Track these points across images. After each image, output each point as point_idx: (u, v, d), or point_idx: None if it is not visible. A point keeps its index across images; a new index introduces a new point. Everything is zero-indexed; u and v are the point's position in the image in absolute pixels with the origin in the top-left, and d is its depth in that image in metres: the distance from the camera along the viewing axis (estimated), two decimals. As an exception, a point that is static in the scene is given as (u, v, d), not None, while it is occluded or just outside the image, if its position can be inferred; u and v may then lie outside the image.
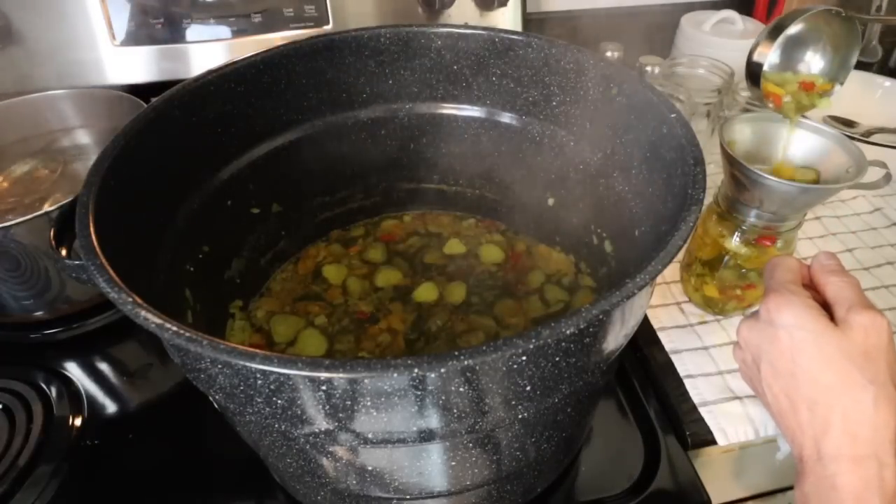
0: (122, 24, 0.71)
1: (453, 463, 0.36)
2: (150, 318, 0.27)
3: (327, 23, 0.76)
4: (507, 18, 0.83)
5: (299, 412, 0.29)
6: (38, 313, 0.58)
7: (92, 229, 0.32)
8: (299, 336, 0.53)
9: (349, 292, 0.57)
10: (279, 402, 0.29)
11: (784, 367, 0.34)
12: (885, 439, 0.31)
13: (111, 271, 0.29)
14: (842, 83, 0.50)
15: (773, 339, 0.35)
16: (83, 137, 0.70)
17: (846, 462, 0.31)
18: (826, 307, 0.35)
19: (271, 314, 0.55)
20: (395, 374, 0.25)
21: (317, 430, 0.31)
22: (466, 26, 0.51)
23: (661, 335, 0.57)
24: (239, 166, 0.51)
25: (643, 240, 0.43)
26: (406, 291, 0.57)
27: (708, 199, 0.37)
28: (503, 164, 0.58)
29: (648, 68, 0.77)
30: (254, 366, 0.25)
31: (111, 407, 0.53)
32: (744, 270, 0.54)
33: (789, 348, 0.34)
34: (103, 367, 0.57)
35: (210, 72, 0.46)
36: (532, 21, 0.91)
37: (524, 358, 0.28)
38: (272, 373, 0.27)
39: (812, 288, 0.37)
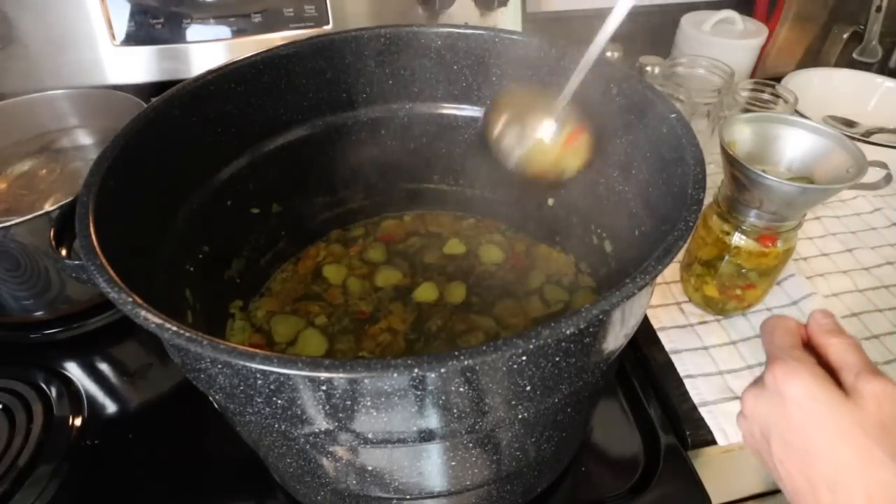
0: (122, 24, 0.71)
1: (453, 463, 0.36)
2: (150, 318, 0.27)
3: (327, 23, 0.76)
4: (507, 18, 0.83)
5: (299, 412, 0.29)
6: (38, 313, 0.58)
7: (92, 229, 0.32)
8: (299, 336, 0.53)
9: (349, 292, 0.57)
10: (279, 402, 0.29)
11: (797, 442, 0.32)
12: None
13: (111, 271, 0.29)
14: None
15: (783, 412, 0.32)
16: (83, 137, 0.70)
17: None
18: (829, 370, 0.33)
19: (271, 314, 0.55)
20: (395, 374, 0.25)
21: (317, 430, 0.31)
22: (466, 26, 0.51)
23: (661, 335, 0.57)
24: (239, 166, 0.51)
25: (643, 240, 0.43)
26: (406, 291, 0.57)
27: (708, 199, 0.37)
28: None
29: (648, 68, 0.77)
30: (254, 366, 0.25)
31: (111, 407, 0.53)
32: (744, 270, 0.54)
33: (801, 423, 0.32)
34: (103, 367, 0.57)
35: (210, 72, 0.46)
36: (532, 21, 0.91)
37: (524, 358, 0.28)
38: (272, 373, 0.27)
39: (810, 348, 0.36)
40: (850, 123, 0.82)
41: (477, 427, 0.32)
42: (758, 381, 0.35)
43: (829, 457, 0.31)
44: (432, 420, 0.30)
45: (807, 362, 0.33)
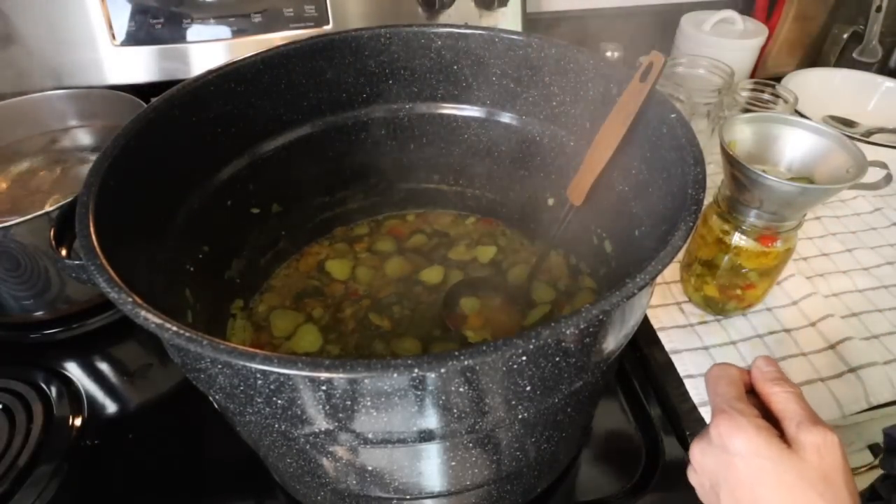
0: (122, 24, 0.71)
1: (453, 463, 0.36)
2: (150, 318, 0.27)
3: (327, 23, 0.76)
4: (507, 18, 0.83)
5: (299, 412, 0.29)
6: (38, 313, 0.58)
7: (92, 229, 0.32)
8: (297, 330, 0.53)
9: (359, 281, 0.58)
10: (279, 402, 0.29)
11: (744, 497, 0.32)
12: None
13: (111, 271, 0.29)
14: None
15: (729, 466, 0.33)
16: (83, 137, 0.70)
17: None
18: (772, 419, 0.34)
19: (272, 309, 0.55)
20: (395, 374, 0.25)
21: (317, 430, 0.31)
22: (466, 26, 0.51)
23: (661, 335, 0.57)
24: (239, 166, 0.51)
25: (643, 240, 0.43)
26: (414, 282, 0.58)
27: (708, 199, 0.37)
28: (503, 164, 0.58)
29: (648, 68, 0.77)
30: (254, 366, 0.25)
31: (111, 407, 0.53)
32: (744, 270, 0.54)
33: (747, 477, 0.32)
34: (103, 367, 0.57)
35: (210, 72, 0.46)
36: (532, 21, 0.91)
37: (524, 358, 0.28)
38: (272, 373, 0.27)
39: (754, 394, 0.36)
40: (849, 123, 0.82)
41: (477, 427, 0.32)
42: (704, 435, 0.36)
43: None
44: (432, 420, 0.30)
45: (749, 415, 0.33)
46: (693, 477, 0.37)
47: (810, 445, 0.32)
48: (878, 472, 0.43)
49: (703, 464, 0.35)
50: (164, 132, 0.42)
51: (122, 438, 0.51)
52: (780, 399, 0.34)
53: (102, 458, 0.49)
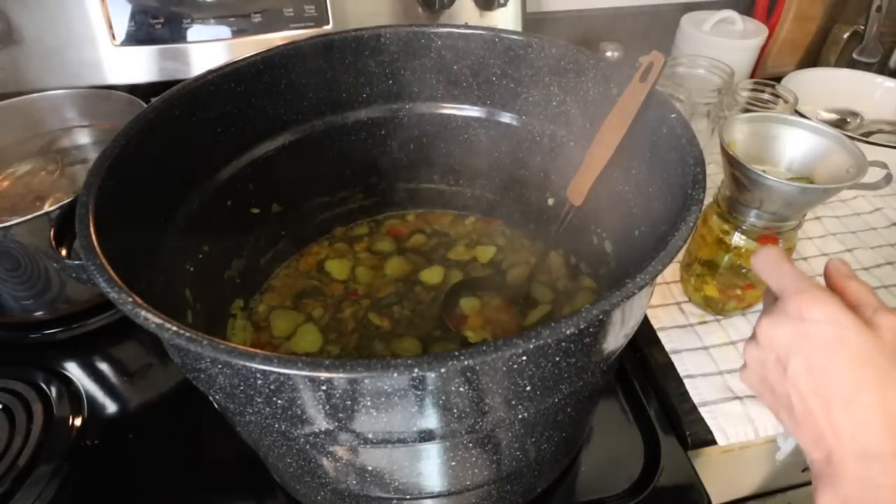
0: (122, 24, 0.71)
1: (453, 463, 0.36)
2: (150, 318, 0.27)
3: (327, 23, 0.76)
4: (507, 18, 0.83)
5: (299, 412, 0.29)
6: (38, 313, 0.58)
7: (92, 229, 0.32)
8: (297, 330, 0.53)
9: (359, 281, 0.58)
10: (279, 402, 0.29)
11: (819, 363, 0.33)
12: None
13: (111, 271, 0.29)
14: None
15: (807, 335, 0.33)
16: (83, 137, 0.70)
17: (891, 459, 0.30)
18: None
19: (272, 308, 0.55)
20: (395, 374, 0.25)
21: (317, 430, 0.31)
22: (466, 26, 0.51)
23: (661, 335, 0.57)
24: (239, 166, 0.51)
25: (643, 240, 0.43)
26: (414, 282, 0.58)
27: (708, 199, 0.37)
28: (503, 164, 0.58)
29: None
30: (254, 366, 0.25)
31: (111, 407, 0.53)
32: (744, 270, 0.54)
33: (826, 345, 0.33)
34: (103, 367, 0.57)
35: (210, 72, 0.46)
36: (532, 21, 0.91)
37: (524, 358, 0.28)
38: (272, 373, 0.27)
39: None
40: (852, 114, 0.81)
41: (477, 427, 0.32)
42: (774, 310, 0.36)
43: (848, 375, 0.32)
44: (432, 420, 0.30)
45: (830, 293, 0.34)
46: (755, 353, 0.37)
47: (887, 326, 0.33)
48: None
49: (774, 335, 0.35)
50: (164, 132, 0.42)
51: (122, 438, 0.51)
52: (856, 290, 0.36)
53: (102, 458, 0.49)
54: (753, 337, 0.37)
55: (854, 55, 0.94)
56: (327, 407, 0.29)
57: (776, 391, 0.36)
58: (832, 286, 0.37)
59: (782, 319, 0.35)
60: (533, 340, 0.25)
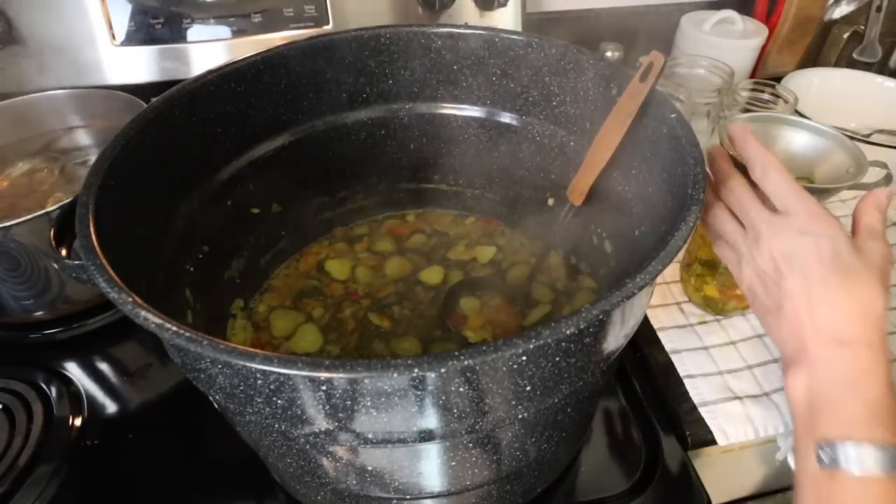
0: (122, 24, 0.71)
1: (453, 463, 0.36)
2: (150, 318, 0.27)
3: (327, 23, 0.76)
4: (507, 18, 0.83)
5: (299, 412, 0.29)
6: (38, 313, 0.58)
7: (92, 229, 0.32)
8: (297, 330, 0.53)
9: (358, 281, 0.58)
10: (279, 402, 0.29)
11: (813, 270, 0.37)
12: (885, 337, 0.37)
13: (111, 271, 0.29)
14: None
15: (807, 247, 0.38)
16: (83, 137, 0.70)
17: (859, 345, 0.36)
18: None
19: (272, 308, 0.55)
20: (395, 374, 0.25)
21: (317, 430, 0.31)
22: (466, 26, 0.51)
23: (661, 335, 0.57)
24: (239, 166, 0.51)
25: (643, 240, 0.43)
26: (414, 282, 0.58)
27: (708, 199, 0.37)
28: (503, 164, 0.58)
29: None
30: (254, 366, 0.25)
31: (111, 407, 0.53)
32: (744, 270, 0.53)
33: (820, 255, 0.37)
34: (103, 367, 0.57)
35: (210, 72, 0.46)
36: (532, 21, 0.91)
37: (524, 358, 0.28)
38: (272, 373, 0.27)
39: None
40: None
41: (477, 427, 0.32)
42: (777, 223, 0.39)
43: (836, 282, 0.37)
44: (432, 420, 0.30)
45: (827, 211, 0.39)
46: (755, 252, 0.40)
47: (875, 250, 0.38)
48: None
49: (778, 241, 0.39)
50: (164, 132, 0.42)
51: (122, 438, 0.51)
52: (868, 217, 0.40)
53: (102, 458, 0.49)
54: (755, 237, 0.40)
55: (854, 55, 0.94)
56: (327, 407, 0.29)
57: (768, 288, 0.40)
58: (860, 208, 0.41)
59: (786, 230, 0.39)
60: (533, 340, 0.25)
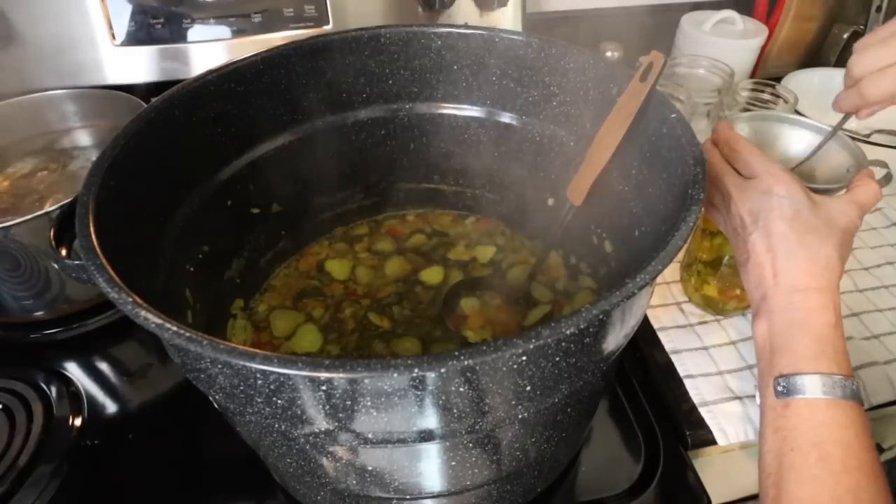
0: (122, 24, 0.71)
1: (453, 463, 0.36)
2: (150, 318, 0.27)
3: (327, 23, 0.76)
4: (507, 18, 0.83)
5: (299, 412, 0.29)
6: (38, 313, 0.58)
7: (92, 229, 0.32)
8: (297, 331, 0.53)
9: (358, 281, 0.58)
10: (279, 402, 0.29)
11: (775, 227, 0.41)
12: (837, 283, 0.41)
13: (111, 271, 0.29)
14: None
15: (771, 206, 0.42)
16: (83, 137, 0.70)
17: (811, 292, 0.40)
18: None
19: (272, 308, 0.55)
20: (395, 374, 0.25)
21: (317, 430, 0.31)
22: (466, 26, 0.51)
23: (661, 335, 0.57)
24: (239, 166, 0.51)
25: (643, 240, 0.43)
26: (414, 282, 0.58)
27: (708, 199, 0.37)
28: (503, 164, 0.58)
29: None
30: (254, 366, 0.25)
31: (111, 407, 0.53)
32: (744, 270, 0.53)
33: (782, 214, 0.41)
34: (103, 367, 0.57)
35: (210, 72, 0.46)
36: (532, 21, 0.91)
37: (524, 358, 0.28)
38: (272, 373, 0.27)
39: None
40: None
41: (477, 427, 0.32)
42: (747, 185, 0.44)
43: (794, 237, 0.41)
44: (432, 420, 0.30)
45: (791, 174, 0.43)
46: (737, 210, 0.44)
47: (834, 208, 0.42)
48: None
49: (746, 200, 0.43)
50: (164, 132, 0.42)
51: (122, 438, 0.51)
52: (864, 194, 0.43)
53: (102, 458, 0.49)
54: (728, 200, 0.45)
55: (854, 55, 0.94)
56: (327, 407, 0.29)
57: (738, 244, 0.45)
58: (859, 178, 0.45)
59: (752, 192, 0.43)
60: (533, 340, 0.25)
